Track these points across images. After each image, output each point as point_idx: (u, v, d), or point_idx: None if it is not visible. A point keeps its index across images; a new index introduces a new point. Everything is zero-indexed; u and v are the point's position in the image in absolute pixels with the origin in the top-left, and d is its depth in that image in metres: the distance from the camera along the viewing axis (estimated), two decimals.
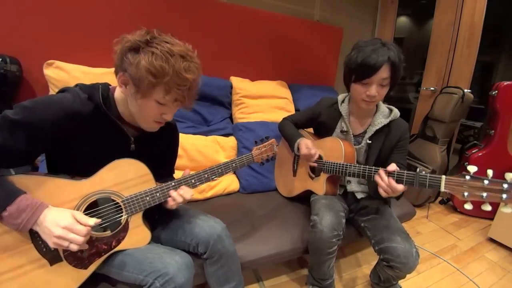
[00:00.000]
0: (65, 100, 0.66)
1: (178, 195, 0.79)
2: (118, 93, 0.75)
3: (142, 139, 0.81)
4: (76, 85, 0.73)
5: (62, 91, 0.71)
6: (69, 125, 0.66)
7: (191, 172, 0.84)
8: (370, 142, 1.07)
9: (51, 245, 0.62)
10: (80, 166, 0.72)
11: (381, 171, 0.86)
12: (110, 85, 0.78)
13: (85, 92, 0.70)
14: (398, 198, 0.96)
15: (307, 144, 1.10)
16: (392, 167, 0.86)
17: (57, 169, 0.74)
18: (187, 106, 0.74)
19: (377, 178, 0.87)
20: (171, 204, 0.79)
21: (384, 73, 0.92)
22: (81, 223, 0.63)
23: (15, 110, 0.62)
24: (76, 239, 0.61)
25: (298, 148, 1.14)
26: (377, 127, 1.05)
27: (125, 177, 0.74)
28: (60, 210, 0.64)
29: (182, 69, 0.64)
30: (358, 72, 0.95)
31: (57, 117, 0.64)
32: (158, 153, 0.90)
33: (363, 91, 0.97)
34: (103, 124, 0.72)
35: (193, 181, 0.83)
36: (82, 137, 0.70)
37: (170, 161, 1.01)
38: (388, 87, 0.97)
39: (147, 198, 0.76)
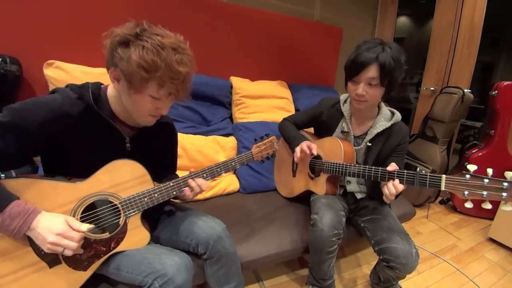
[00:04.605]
0: (54, 102, 0.65)
1: (196, 185, 0.80)
2: (110, 91, 0.74)
3: (138, 138, 0.80)
4: (67, 86, 0.72)
5: (52, 92, 0.70)
6: (59, 127, 0.66)
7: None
8: (370, 144, 1.06)
9: (46, 250, 0.62)
10: (76, 168, 0.71)
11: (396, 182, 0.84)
12: (102, 84, 0.77)
13: (75, 92, 0.69)
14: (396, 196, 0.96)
15: (309, 144, 1.08)
16: (392, 166, 0.86)
17: (53, 171, 0.74)
18: (181, 99, 0.72)
19: (389, 185, 0.85)
20: (188, 194, 0.81)
21: (371, 72, 0.91)
22: (73, 229, 0.63)
23: (3, 112, 0.61)
24: (69, 245, 0.62)
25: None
26: (378, 130, 1.04)
27: (122, 178, 0.74)
28: (53, 216, 0.63)
29: (174, 62, 0.63)
30: (348, 69, 0.97)
31: (45, 119, 0.63)
32: (156, 152, 0.89)
33: (353, 89, 0.97)
34: (96, 124, 0.71)
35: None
36: (74, 138, 0.69)
37: (170, 160, 1.01)
38: (379, 87, 0.94)
39: (145, 199, 0.76)
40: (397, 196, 0.94)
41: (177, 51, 0.64)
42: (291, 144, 1.20)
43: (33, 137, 0.63)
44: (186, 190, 0.81)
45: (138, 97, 0.67)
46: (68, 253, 0.63)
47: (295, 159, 1.10)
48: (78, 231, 0.64)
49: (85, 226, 0.66)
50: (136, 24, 0.64)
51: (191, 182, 0.81)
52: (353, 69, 0.94)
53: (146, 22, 0.66)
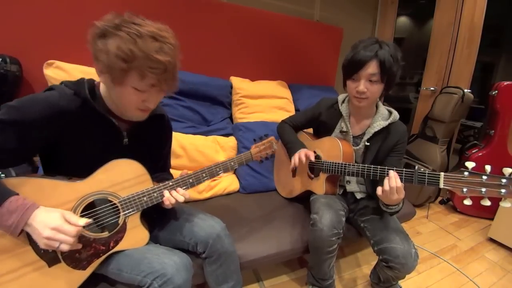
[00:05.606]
0: (51, 98, 0.66)
1: (171, 197, 0.78)
2: (103, 87, 0.74)
3: (134, 132, 0.80)
4: (62, 83, 0.72)
5: (49, 89, 0.70)
6: (57, 123, 0.66)
7: (189, 172, 0.84)
8: (368, 144, 1.06)
9: (42, 246, 0.61)
10: (75, 165, 0.71)
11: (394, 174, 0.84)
12: (95, 80, 0.77)
13: (70, 89, 0.69)
14: (392, 213, 0.97)
15: (306, 153, 1.10)
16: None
17: (52, 169, 0.74)
18: (166, 91, 0.70)
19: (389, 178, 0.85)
20: (166, 204, 0.79)
21: (371, 68, 0.92)
22: (70, 223, 0.62)
23: (2, 110, 0.61)
24: (65, 239, 0.60)
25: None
26: (376, 129, 1.04)
27: (122, 177, 0.74)
28: (50, 211, 0.63)
29: (152, 50, 0.61)
30: (348, 68, 0.98)
31: (44, 115, 0.63)
32: (152, 145, 0.88)
33: (354, 87, 0.98)
34: (93, 119, 0.71)
35: (190, 180, 0.82)
36: (73, 134, 0.69)
37: (164, 156, 0.99)
38: (379, 84, 0.95)
39: (144, 198, 0.76)
40: (392, 213, 0.96)
41: (156, 39, 0.62)
42: (289, 150, 1.20)
43: (32, 134, 0.64)
44: (164, 200, 0.78)
45: (122, 90, 0.66)
46: (64, 247, 0.61)
47: (292, 165, 1.12)
48: (76, 225, 0.63)
49: (83, 221, 0.65)
50: (115, 15, 0.63)
51: (165, 193, 0.78)
52: (353, 67, 0.95)
53: (127, 13, 0.64)
